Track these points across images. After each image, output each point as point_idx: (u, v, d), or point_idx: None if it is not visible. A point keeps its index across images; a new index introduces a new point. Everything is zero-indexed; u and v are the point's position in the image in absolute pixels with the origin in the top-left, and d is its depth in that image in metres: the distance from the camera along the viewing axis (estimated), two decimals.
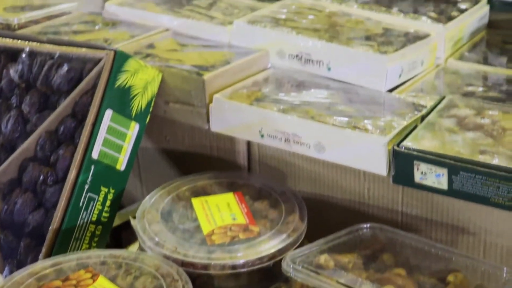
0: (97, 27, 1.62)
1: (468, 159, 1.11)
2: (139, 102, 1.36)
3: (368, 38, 1.45)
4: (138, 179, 1.59)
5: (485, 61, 1.49)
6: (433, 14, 1.54)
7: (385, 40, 1.43)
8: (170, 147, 1.54)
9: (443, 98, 1.31)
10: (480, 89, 1.38)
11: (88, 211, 1.28)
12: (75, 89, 1.33)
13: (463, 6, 1.58)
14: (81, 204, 1.26)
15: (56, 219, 1.24)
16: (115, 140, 1.31)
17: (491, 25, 1.63)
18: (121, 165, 1.33)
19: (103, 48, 1.34)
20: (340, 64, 1.40)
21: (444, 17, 1.53)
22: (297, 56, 1.45)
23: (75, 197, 1.25)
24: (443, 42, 1.48)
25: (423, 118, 1.25)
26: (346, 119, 1.26)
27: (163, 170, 1.55)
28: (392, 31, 1.48)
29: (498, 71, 1.44)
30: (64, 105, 1.33)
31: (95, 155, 1.28)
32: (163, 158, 1.55)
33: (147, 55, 1.46)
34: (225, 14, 1.62)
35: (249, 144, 1.43)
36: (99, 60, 1.33)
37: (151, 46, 1.52)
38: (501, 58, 1.51)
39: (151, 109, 1.38)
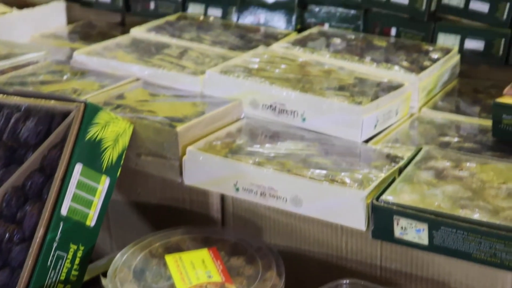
0: (65, 77, 1.58)
1: (449, 213, 1.09)
2: (110, 155, 1.32)
3: (342, 88, 1.43)
4: (108, 232, 1.54)
5: (458, 110, 1.49)
6: (405, 64, 1.54)
7: (359, 90, 1.42)
8: (141, 200, 1.49)
9: (420, 149, 1.29)
10: (456, 139, 1.37)
11: (57, 270, 1.23)
12: (44, 142, 1.29)
13: (434, 55, 1.58)
14: (49, 263, 1.21)
15: (22, 279, 1.18)
16: (85, 195, 1.27)
17: (462, 74, 1.64)
18: (91, 221, 1.28)
19: (72, 100, 1.30)
20: (315, 114, 1.39)
21: (417, 67, 1.53)
22: (271, 106, 1.43)
23: (43, 256, 1.20)
24: (416, 91, 1.48)
25: (401, 170, 1.24)
26: (323, 171, 1.24)
27: (134, 224, 1.50)
28: (365, 80, 1.47)
29: (471, 121, 1.44)
30: (32, 159, 1.28)
31: (64, 211, 1.23)
32: (134, 212, 1.51)
33: (118, 106, 1.43)
34: (196, 63, 1.59)
35: (223, 196, 1.40)
36: (69, 113, 1.29)
37: (121, 96, 1.48)
38: (473, 107, 1.50)
39: (122, 162, 1.34)
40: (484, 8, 1.59)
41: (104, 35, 1.95)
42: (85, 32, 1.98)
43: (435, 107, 1.50)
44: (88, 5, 2.06)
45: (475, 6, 1.60)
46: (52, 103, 1.32)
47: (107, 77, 1.57)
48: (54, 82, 1.55)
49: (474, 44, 1.61)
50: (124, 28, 2.02)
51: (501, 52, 1.58)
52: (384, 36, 1.70)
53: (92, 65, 1.62)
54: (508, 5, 1.56)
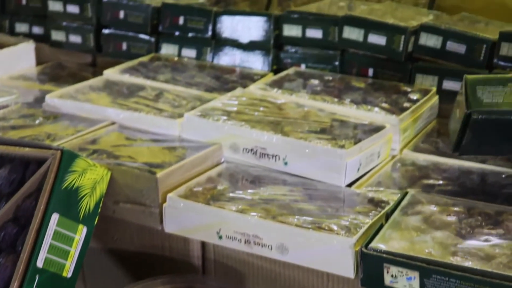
0: (37, 122, 1.53)
1: (441, 261, 1.07)
2: (87, 204, 1.28)
3: (323, 131, 1.42)
4: (82, 283, 1.49)
5: (439, 152, 1.48)
6: (385, 105, 1.53)
7: (341, 133, 1.41)
8: (118, 247, 1.45)
9: (405, 193, 1.28)
10: (439, 182, 1.36)
11: None
12: (18, 191, 1.24)
13: (413, 96, 1.58)
14: None
15: None
16: (61, 246, 1.22)
17: (441, 115, 1.63)
18: (68, 272, 1.23)
19: (48, 148, 1.26)
20: (297, 158, 1.36)
21: (397, 108, 1.52)
22: (251, 150, 1.40)
23: None
24: (398, 133, 1.47)
25: (387, 215, 1.22)
26: (309, 218, 1.21)
27: (111, 273, 1.45)
28: (346, 123, 1.46)
29: (453, 163, 1.43)
30: (5, 209, 1.23)
31: (39, 263, 1.18)
32: (110, 260, 1.46)
33: (94, 152, 1.39)
34: (173, 106, 1.56)
35: (203, 243, 1.36)
36: (44, 160, 1.25)
37: (97, 141, 1.45)
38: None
39: (99, 210, 1.30)
40: (461, 49, 1.60)
41: (74, 76, 1.92)
42: (55, 73, 1.94)
43: (416, 149, 1.49)
44: (57, 45, 2.02)
45: (452, 47, 1.61)
46: (26, 150, 1.28)
47: (81, 121, 1.53)
48: (26, 127, 1.50)
49: (452, 85, 1.61)
50: (95, 69, 1.99)
51: None
52: (361, 77, 1.70)
53: (65, 109, 1.58)
54: (484, 46, 1.57)
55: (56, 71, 1.96)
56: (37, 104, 1.67)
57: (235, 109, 1.50)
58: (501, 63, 1.56)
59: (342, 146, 1.35)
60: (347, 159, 1.33)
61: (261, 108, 1.51)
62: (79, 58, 2.03)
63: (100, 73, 1.93)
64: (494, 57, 1.56)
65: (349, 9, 1.85)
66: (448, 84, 1.62)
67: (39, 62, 2.01)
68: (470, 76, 1.32)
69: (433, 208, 1.22)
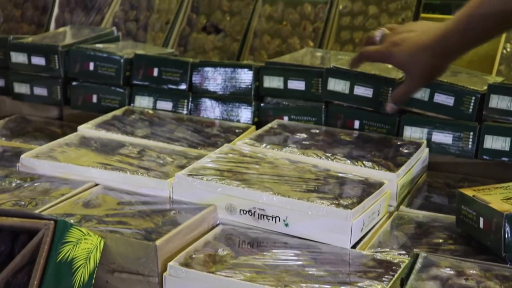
0: (14, 184, 1.45)
1: None
2: (82, 275, 1.20)
3: (322, 189, 1.38)
4: None
5: (436, 207, 1.47)
6: (379, 160, 1.51)
7: (341, 192, 1.37)
8: None
9: (416, 256, 1.25)
10: (444, 240, 1.34)
11: None
12: (7, 266, 1.15)
13: (405, 150, 1.57)
14: None
15: None
16: None
17: (430, 167, 1.63)
18: None
19: (39, 218, 1.18)
20: (299, 219, 1.32)
21: (392, 163, 1.50)
22: (249, 211, 1.36)
23: None
24: (395, 189, 1.45)
25: (402, 280, 1.18)
26: (324, 286, 1.16)
27: None
28: (344, 180, 1.43)
29: (452, 219, 1.41)
30: None
31: None
32: None
33: (83, 218, 1.31)
34: (159, 164, 1.50)
35: None
36: (35, 231, 1.17)
37: (84, 205, 1.37)
38: (450, 204, 1.49)
39: (93, 282, 1.22)
40: (449, 101, 1.60)
41: (41, 131, 1.83)
42: (20, 128, 1.85)
43: (412, 204, 1.48)
44: (20, 98, 1.94)
45: (439, 99, 1.61)
46: (15, 220, 1.20)
47: (62, 182, 1.45)
48: (3, 191, 1.41)
49: (441, 137, 1.61)
50: (62, 122, 1.91)
51: (470, 146, 1.58)
52: (348, 129, 1.68)
53: (43, 169, 1.50)
54: (473, 98, 1.58)
55: (21, 125, 1.87)
56: (7, 163, 1.58)
57: (226, 167, 1.45)
58: (491, 115, 1.57)
59: (346, 206, 1.31)
60: (352, 220, 1.30)
61: (255, 166, 1.46)
62: (44, 111, 1.94)
63: (68, 127, 1.86)
64: (484, 109, 1.57)
65: (327, 60, 1.85)
66: (438, 137, 1.62)
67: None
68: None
69: (449, 271, 1.20)
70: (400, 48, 1.48)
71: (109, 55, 1.84)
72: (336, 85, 1.67)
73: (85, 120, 1.74)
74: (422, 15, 1.98)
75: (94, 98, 1.87)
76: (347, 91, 1.67)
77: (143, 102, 1.84)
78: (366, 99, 1.65)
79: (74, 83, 1.89)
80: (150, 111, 1.81)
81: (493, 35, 1.49)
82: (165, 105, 1.83)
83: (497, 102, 1.56)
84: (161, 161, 1.52)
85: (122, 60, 1.83)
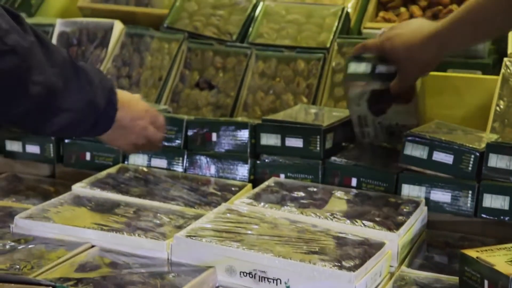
0: (8, 247, 1.42)
1: None
2: None
3: (323, 250, 1.36)
4: None
5: (437, 268, 1.46)
6: (379, 219, 1.50)
7: (343, 253, 1.36)
8: None
9: None
10: None
11: None
12: None
13: (405, 209, 1.56)
14: None
15: None
16: None
17: (429, 225, 1.62)
18: None
19: (38, 284, 1.15)
20: (301, 282, 1.30)
21: (392, 223, 1.49)
22: (250, 274, 1.33)
23: None
24: (396, 249, 1.44)
25: None
26: None
27: None
28: (345, 240, 1.41)
29: (454, 280, 1.40)
30: None
31: None
32: None
33: (80, 281, 1.28)
34: (156, 225, 1.48)
35: None
36: None
37: (80, 268, 1.34)
38: (451, 264, 1.48)
39: None
40: (448, 159, 1.60)
41: (34, 189, 1.81)
42: (12, 186, 1.83)
43: (412, 265, 1.47)
44: (12, 156, 1.92)
45: (438, 157, 1.61)
46: (12, 286, 1.17)
47: (57, 244, 1.43)
48: None
49: (440, 196, 1.61)
50: (55, 180, 1.89)
51: (469, 204, 1.58)
52: (345, 187, 1.67)
53: (38, 231, 1.47)
54: (472, 157, 1.58)
55: (13, 183, 1.85)
56: (5, 227, 1.54)
57: (225, 227, 1.44)
58: (490, 174, 1.57)
59: (349, 269, 1.30)
60: (356, 282, 1.28)
61: (254, 226, 1.45)
62: (36, 169, 1.92)
63: (61, 185, 1.84)
64: (483, 168, 1.57)
65: (321, 116, 1.85)
66: (436, 195, 1.61)
67: None
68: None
69: None
70: (393, 42, 1.62)
71: None
72: None
73: (79, 178, 1.72)
74: None
75: (88, 156, 1.86)
76: None
77: (137, 159, 1.83)
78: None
79: (67, 140, 1.88)
80: (145, 169, 1.80)
81: (483, 39, 1.74)
82: (160, 162, 1.82)
83: (496, 161, 1.57)
84: (158, 221, 1.50)
85: None
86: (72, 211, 1.54)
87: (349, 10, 2.25)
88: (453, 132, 1.72)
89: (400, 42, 1.61)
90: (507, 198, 1.55)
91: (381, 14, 2.26)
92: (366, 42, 1.72)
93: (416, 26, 1.63)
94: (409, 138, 1.64)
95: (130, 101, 1.55)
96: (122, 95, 1.52)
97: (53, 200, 1.59)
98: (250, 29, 2.19)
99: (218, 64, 2.15)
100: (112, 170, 1.78)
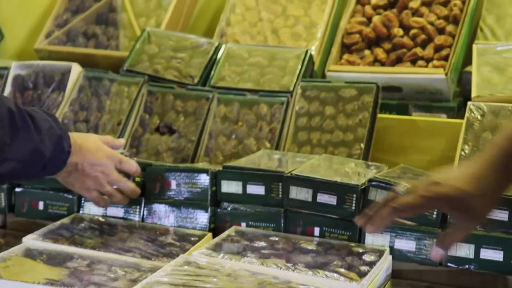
0: None
1: None
2: None
3: None
4: None
5: None
6: (342, 270, 1.48)
7: None
8: None
9: None
10: None
11: None
12: None
13: (368, 258, 1.54)
14: None
15: None
16: None
17: (393, 274, 1.60)
18: None
19: None
20: None
21: (355, 273, 1.47)
22: None
23: None
24: None
25: None
26: None
27: None
28: None
29: None
30: None
31: None
32: None
33: None
34: (110, 279, 1.44)
35: None
36: None
37: None
38: None
39: None
40: None
41: None
42: None
43: None
44: None
45: None
46: None
47: None
48: None
49: (404, 244, 1.59)
50: (5, 231, 1.84)
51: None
52: (308, 236, 1.65)
53: None
54: None
55: None
56: None
57: (182, 281, 1.40)
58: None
59: None
60: None
61: (212, 279, 1.41)
62: None
63: (12, 236, 1.80)
64: (448, 216, 1.56)
65: (284, 163, 1.83)
66: (400, 244, 1.59)
67: None
68: None
69: None
70: (447, 187, 1.29)
71: None
72: (299, 193, 1.65)
73: (31, 228, 1.68)
74: (379, 115, 2.00)
75: (40, 205, 1.81)
76: (310, 199, 1.64)
77: (93, 208, 1.79)
78: (329, 207, 1.63)
79: (18, 189, 1.83)
80: (101, 218, 1.76)
81: None
82: (116, 211, 1.78)
83: None
84: (112, 275, 1.46)
85: None
86: (22, 265, 1.49)
87: (313, 52, 2.27)
88: (418, 178, 1.71)
89: (460, 179, 1.30)
90: (472, 246, 1.53)
91: (345, 56, 2.27)
92: (401, 201, 1.31)
93: (455, 169, 1.40)
94: (373, 183, 1.63)
95: (89, 147, 1.54)
96: (82, 140, 1.52)
97: (2, 253, 1.54)
98: (212, 72, 2.18)
99: (179, 108, 2.13)
100: (66, 220, 1.74)
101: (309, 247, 1.59)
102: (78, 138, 1.55)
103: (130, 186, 1.69)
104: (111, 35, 2.48)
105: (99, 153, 1.59)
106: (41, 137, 1.36)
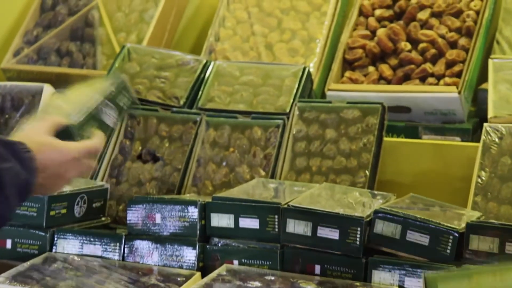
0: None
1: None
2: None
3: None
4: None
5: None
6: None
7: None
8: None
9: None
10: None
11: None
12: None
13: None
14: None
15: None
16: None
17: None
18: None
19: None
20: None
21: None
22: None
23: None
24: None
25: None
26: None
27: None
28: None
29: None
30: None
31: None
32: None
33: None
34: None
35: None
36: None
37: None
38: None
39: None
40: (424, 240, 1.59)
41: None
42: None
43: None
44: None
45: (413, 237, 1.60)
46: None
47: None
48: None
49: (415, 283, 1.59)
50: None
51: None
52: (307, 275, 1.65)
53: None
54: (451, 238, 1.58)
55: None
56: None
57: None
58: (472, 257, 1.56)
59: None
60: None
61: None
62: None
63: None
64: (464, 251, 1.57)
65: (281, 193, 1.84)
66: (411, 282, 1.60)
67: None
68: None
69: None
70: None
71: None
72: (297, 227, 1.65)
73: None
74: (386, 139, 2.01)
75: (8, 244, 1.82)
76: (309, 233, 1.65)
77: (67, 246, 1.79)
78: (331, 242, 1.63)
79: None
80: (76, 258, 1.77)
81: None
82: (94, 249, 1.78)
83: (477, 243, 1.56)
84: None
85: (46, 198, 1.78)
86: None
87: (311, 69, 2.29)
88: (430, 208, 1.73)
89: None
90: None
91: (347, 74, 2.29)
92: None
93: None
94: (379, 214, 1.64)
95: (54, 166, 1.53)
96: (42, 155, 1.49)
97: None
98: (200, 92, 2.19)
99: (163, 133, 2.14)
100: (37, 260, 1.75)
101: (309, 287, 1.60)
102: (40, 157, 1.51)
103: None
104: (87, 53, 2.49)
105: (62, 157, 1.58)
106: (5, 194, 1.33)
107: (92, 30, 2.54)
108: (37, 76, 2.34)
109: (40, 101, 2.20)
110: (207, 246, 1.75)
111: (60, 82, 2.29)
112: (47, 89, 2.23)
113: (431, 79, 2.20)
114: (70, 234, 1.80)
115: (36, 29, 2.59)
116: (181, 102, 2.18)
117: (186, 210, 1.75)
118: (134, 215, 1.78)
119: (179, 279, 1.68)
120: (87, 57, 2.48)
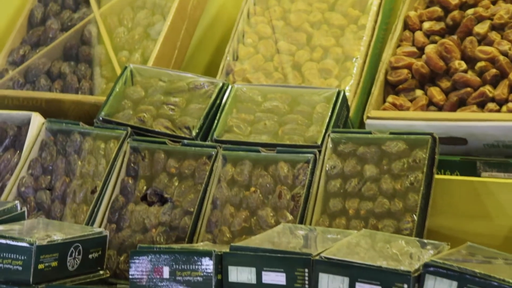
0: None
1: None
2: None
3: None
4: None
5: None
6: None
7: None
8: None
9: None
10: None
11: None
12: None
13: None
14: None
15: None
16: None
17: None
18: None
19: None
20: None
21: None
22: None
23: None
24: None
25: None
26: None
27: None
28: None
29: None
30: None
31: None
32: None
33: None
34: None
35: None
36: None
37: None
38: None
39: None
40: None
41: None
42: None
43: None
44: None
45: None
46: None
47: None
48: None
49: None
50: None
51: None
52: None
53: None
54: None
55: None
56: None
57: None
58: None
59: None
60: None
61: None
62: None
63: None
64: None
65: (313, 241, 1.84)
66: None
67: None
68: None
69: None
70: None
71: (13, 241, 1.81)
72: (331, 282, 1.65)
73: None
74: (437, 176, 2.00)
75: None
76: None
77: None
78: None
79: None
80: None
81: None
82: None
83: None
84: None
85: (33, 248, 1.79)
86: None
87: (347, 94, 2.29)
88: (492, 261, 1.72)
89: None
90: None
91: (390, 99, 2.29)
92: None
93: None
94: (430, 268, 1.63)
95: None
96: None
97: None
98: (215, 121, 2.21)
99: (172, 170, 2.15)
100: None
101: None
102: None
103: None
104: (82, 75, 2.52)
105: None
106: None
107: (88, 48, 2.57)
108: (24, 103, 2.36)
109: (28, 132, 2.22)
110: None
111: (51, 110, 2.31)
112: (36, 118, 2.25)
113: (491, 105, 2.20)
114: None
115: (23, 47, 2.62)
116: (194, 133, 2.19)
117: (199, 263, 1.76)
118: (138, 269, 1.79)
119: None
120: (82, 80, 2.51)
